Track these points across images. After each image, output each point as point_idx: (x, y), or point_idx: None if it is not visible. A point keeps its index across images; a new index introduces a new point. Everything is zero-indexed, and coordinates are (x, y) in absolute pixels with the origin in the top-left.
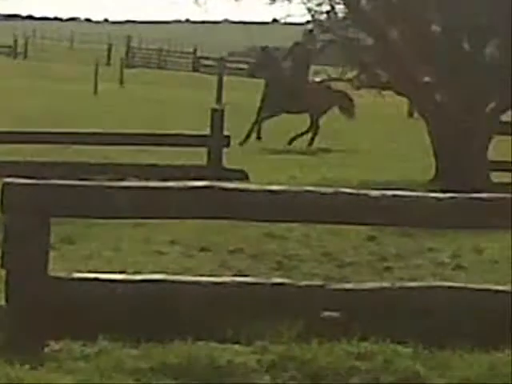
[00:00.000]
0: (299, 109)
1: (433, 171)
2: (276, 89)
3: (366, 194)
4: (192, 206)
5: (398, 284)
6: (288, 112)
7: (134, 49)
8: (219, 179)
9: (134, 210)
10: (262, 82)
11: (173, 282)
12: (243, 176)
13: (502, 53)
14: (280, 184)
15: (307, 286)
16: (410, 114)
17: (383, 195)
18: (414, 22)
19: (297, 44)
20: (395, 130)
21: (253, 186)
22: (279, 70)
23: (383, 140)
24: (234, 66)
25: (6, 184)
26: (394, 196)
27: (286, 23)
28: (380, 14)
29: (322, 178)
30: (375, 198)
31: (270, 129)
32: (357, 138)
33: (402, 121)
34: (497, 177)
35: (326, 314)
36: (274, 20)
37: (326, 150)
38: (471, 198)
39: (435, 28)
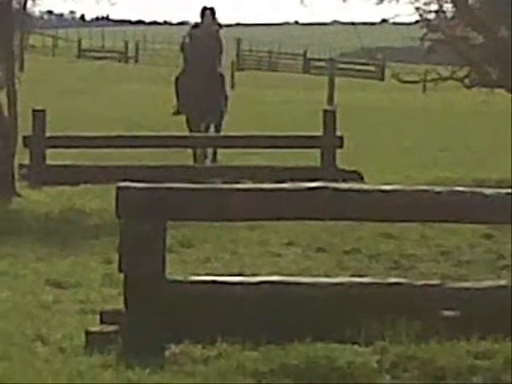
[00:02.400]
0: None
1: None
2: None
3: (480, 193)
4: (307, 207)
5: None
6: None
7: (245, 51)
8: (334, 180)
9: (250, 212)
10: (375, 83)
11: (290, 283)
12: (358, 177)
13: None
14: (395, 184)
15: (424, 285)
16: None
17: (498, 193)
18: None
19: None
20: (508, 128)
21: (367, 186)
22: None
23: (496, 138)
24: (345, 66)
25: (120, 188)
26: (508, 194)
27: (394, 23)
28: (489, 12)
29: (436, 176)
30: (489, 196)
31: (384, 127)
32: (469, 135)
33: None
34: None
35: (445, 312)
36: (383, 20)
37: (440, 149)
38: None
39: None
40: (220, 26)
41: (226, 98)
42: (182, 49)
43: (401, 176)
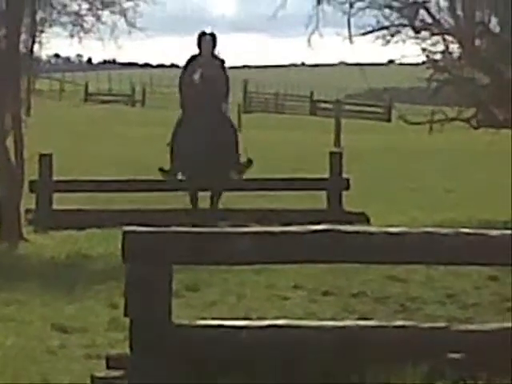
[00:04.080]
0: None
1: None
2: None
3: (485, 234)
4: (313, 249)
5: None
6: None
7: (251, 93)
8: (340, 222)
9: (257, 255)
10: (382, 125)
11: (297, 327)
12: (364, 219)
13: None
14: (401, 226)
15: (430, 328)
16: None
17: (503, 235)
18: None
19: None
20: None
21: (372, 229)
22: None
23: (502, 179)
24: (352, 108)
25: (126, 232)
26: None
27: (401, 64)
28: (494, 53)
29: (442, 219)
30: (495, 237)
31: (390, 168)
32: (475, 176)
33: None
34: None
35: (451, 355)
36: (390, 61)
37: (447, 190)
38: None
39: None
40: (222, 61)
41: (238, 159)
42: (180, 89)
43: (407, 218)
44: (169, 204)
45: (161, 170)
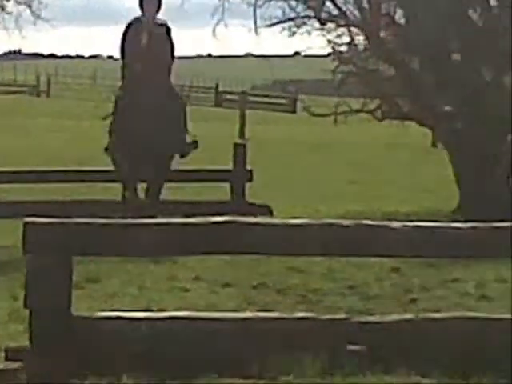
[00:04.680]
0: None
1: (457, 201)
2: None
3: (387, 226)
4: (214, 241)
5: (421, 315)
6: None
7: None
8: (243, 214)
9: (158, 247)
10: (287, 116)
11: (198, 318)
12: (267, 211)
13: None
14: (304, 218)
15: (330, 319)
16: (434, 144)
17: (405, 226)
18: (434, 51)
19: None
20: (419, 161)
21: (275, 220)
22: None
23: (407, 171)
24: (257, 99)
25: (26, 223)
26: (416, 227)
27: (306, 56)
28: (400, 45)
29: (346, 211)
30: (397, 229)
31: (294, 160)
32: (381, 168)
33: (426, 151)
34: None
35: (351, 347)
36: (296, 53)
37: (350, 182)
38: (492, 227)
39: (455, 56)
40: (168, 28)
41: (184, 138)
42: (122, 56)
43: (310, 210)
44: (76, 195)
45: (105, 149)
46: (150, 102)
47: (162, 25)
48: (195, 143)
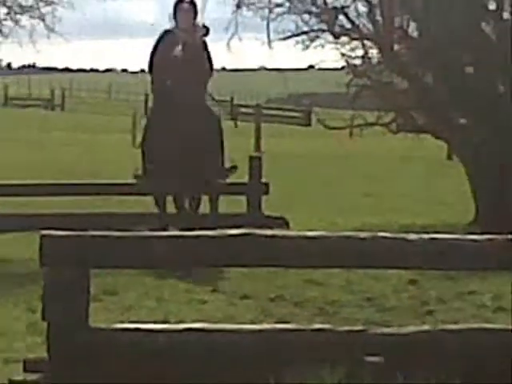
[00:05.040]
0: None
1: (473, 214)
2: None
3: (403, 238)
4: (231, 253)
5: (439, 327)
6: None
7: None
8: (260, 227)
9: (175, 259)
10: (302, 129)
11: (214, 330)
12: (284, 223)
13: None
14: (320, 230)
15: (348, 331)
16: (450, 157)
17: (421, 239)
18: (447, 64)
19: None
20: (435, 173)
21: (291, 233)
22: None
23: (423, 183)
24: (272, 112)
25: (44, 236)
26: (432, 239)
27: (320, 69)
28: (413, 58)
29: (362, 223)
30: (413, 241)
31: (310, 173)
32: (397, 181)
33: (442, 163)
34: None
35: (369, 358)
36: (310, 66)
37: (367, 195)
38: (509, 240)
39: (469, 69)
40: (207, 30)
41: (222, 162)
42: (151, 70)
43: (326, 222)
44: (90, 208)
45: (135, 176)
46: (184, 126)
47: (198, 31)
48: (234, 168)
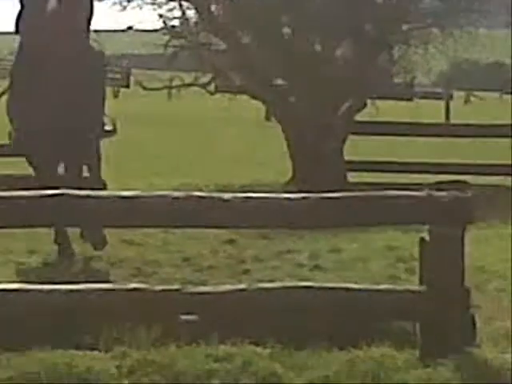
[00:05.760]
0: None
1: (290, 174)
2: None
3: (218, 197)
4: (47, 213)
5: (254, 285)
6: None
7: None
8: (77, 188)
9: None
10: (121, 91)
11: (30, 290)
12: (101, 184)
13: (354, 53)
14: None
15: (164, 290)
16: (267, 118)
17: (235, 197)
18: (265, 24)
19: None
20: (253, 134)
21: (105, 193)
22: None
23: (242, 144)
24: None
25: None
26: (246, 198)
27: (138, 30)
28: (231, 19)
29: (180, 183)
30: (227, 200)
31: (128, 135)
32: (215, 142)
33: (260, 124)
34: (353, 177)
35: (184, 317)
36: (129, 27)
37: (184, 155)
38: (322, 198)
39: (286, 30)
40: None
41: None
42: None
43: (144, 183)
44: None
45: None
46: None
47: None
48: (114, 132)
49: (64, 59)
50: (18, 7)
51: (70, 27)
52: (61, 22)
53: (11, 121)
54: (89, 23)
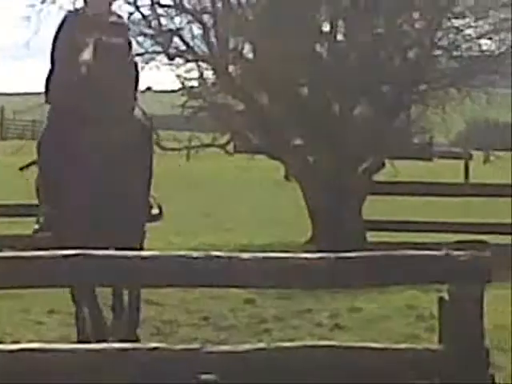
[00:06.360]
0: None
1: (309, 233)
2: None
3: (237, 257)
4: (66, 274)
5: (274, 345)
6: None
7: (8, 120)
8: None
9: (9, 279)
10: None
11: (49, 350)
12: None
13: (372, 112)
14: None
15: (183, 349)
16: (287, 178)
17: (254, 257)
18: (282, 85)
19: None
20: (272, 194)
21: (126, 253)
22: None
23: (260, 203)
24: None
25: None
26: (265, 258)
27: (156, 91)
28: (248, 79)
29: (199, 243)
30: (246, 260)
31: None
32: (234, 202)
33: (279, 184)
34: (372, 236)
35: (203, 377)
36: (148, 88)
37: (204, 215)
38: (341, 258)
39: (304, 90)
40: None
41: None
42: (47, 88)
43: (163, 242)
44: None
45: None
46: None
47: (118, 23)
48: (160, 215)
49: (107, 129)
50: (48, 66)
51: (115, 90)
52: (102, 83)
53: (42, 202)
54: (135, 88)
